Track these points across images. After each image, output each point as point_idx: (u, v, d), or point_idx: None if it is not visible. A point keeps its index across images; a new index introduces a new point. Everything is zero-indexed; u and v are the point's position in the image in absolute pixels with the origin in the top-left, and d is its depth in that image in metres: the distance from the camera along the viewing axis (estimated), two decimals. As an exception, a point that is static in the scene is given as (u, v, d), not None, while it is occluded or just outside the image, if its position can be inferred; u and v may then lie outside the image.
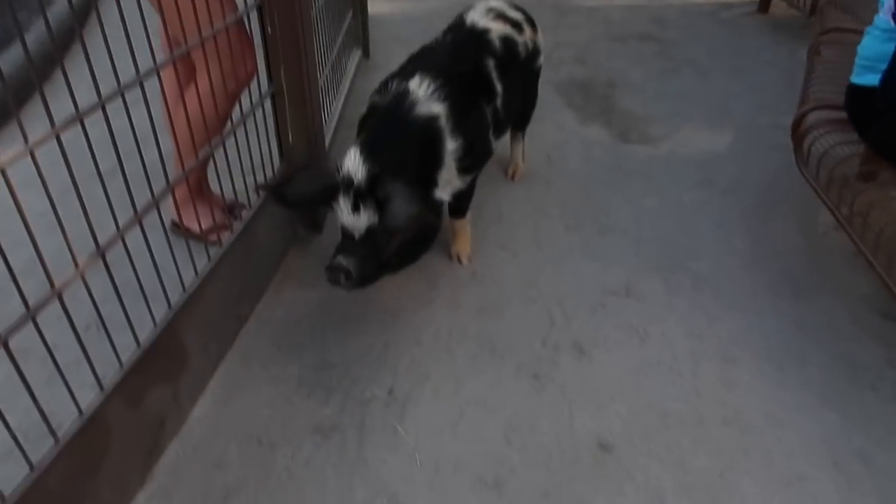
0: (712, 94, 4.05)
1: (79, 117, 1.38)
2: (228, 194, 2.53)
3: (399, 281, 2.53)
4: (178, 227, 2.57)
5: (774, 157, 3.33)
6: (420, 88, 2.19)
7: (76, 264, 1.43)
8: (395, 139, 2.09)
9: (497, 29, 2.59)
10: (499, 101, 2.48)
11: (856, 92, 2.37)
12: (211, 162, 2.49)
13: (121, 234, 1.61)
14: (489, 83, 2.44)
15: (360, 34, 4.26)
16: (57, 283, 1.37)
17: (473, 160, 2.32)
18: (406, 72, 2.29)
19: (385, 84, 2.29)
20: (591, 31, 5.00)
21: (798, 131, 2.58)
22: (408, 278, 2.57)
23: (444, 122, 2.18)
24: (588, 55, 4.56)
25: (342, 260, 2.01)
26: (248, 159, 2.27)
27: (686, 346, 2.30)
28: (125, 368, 1.64)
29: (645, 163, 3.36)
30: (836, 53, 3.07)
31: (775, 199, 3.05)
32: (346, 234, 2.07)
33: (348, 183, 1.98)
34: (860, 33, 2.48)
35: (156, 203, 1.75)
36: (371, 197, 1.97)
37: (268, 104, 2.39)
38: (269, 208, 2.42)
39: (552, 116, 3.76)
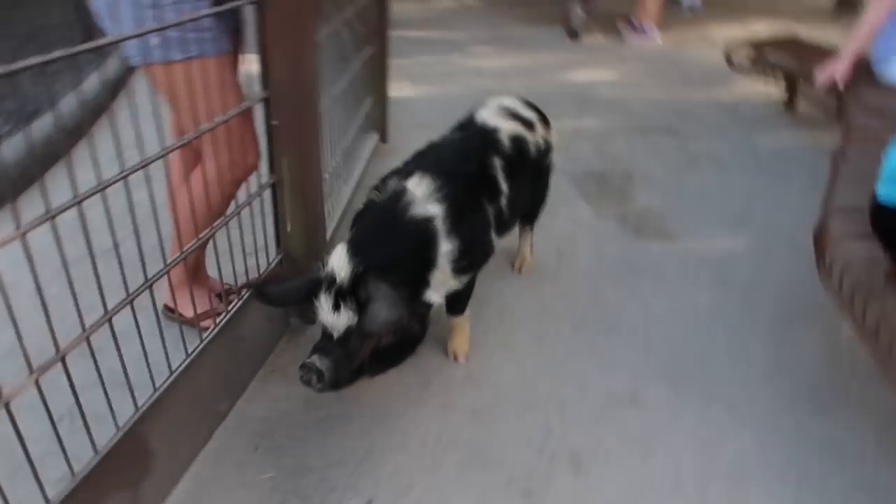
0: (732, 191, 3.95)
1: (77, 202, 1.40)
2: (226, 278, 2.49)
3: (390, 378, 2.40)
4: (172, 312, 2.52)
5: (796, 260, 3.17)
6: (418, 188, 2.13)
7: (57, 349, 1.39)
8: (386, 238, 2.02)
9: (507, 128, 2.55)
10: (503, 201, 2.41)
11: (882, 210, 2.25)
12: (209, 246, 2.46)
13: (109, 317, 1.56)
14: (494, 183, 2.38)
15: (379, 119, 4.30)
16: (35, 367, 1.34)
17: (470, 261, 2.24)
18: (406, 170, 2.24)
19: (384, 181, 2.24)
20: (611, 122, 5.00)
21: (820, 240, 2.45)
22: (400, 375, 2.44)
23: (439, 224, 2.09)
24: (607, 147, 4.53)
25: (316, 360, 1.87)
26: (249, 244, 2.23)
27: (693, 465, 2.11)
28: (78, 477, 1.54)
29: (658, 261, 3.24)
30: (861, 157, 2.96)
31: (796, 305, 2.89)
32: (325, 332, 1.98)
33: (331, 280, 1.91)
34: (887, 139, 2.37)
35: (149, 285, 1.71)
36: (352, 297, 1.89)
37: (267, 193, 2.37)
38: (255, 303, 2.35)
39: (565, 208, 3.69)
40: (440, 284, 2.16)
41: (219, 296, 2.62)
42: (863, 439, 2.21)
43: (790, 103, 5.21)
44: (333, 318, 1.92)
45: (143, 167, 1.58)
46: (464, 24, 7.82)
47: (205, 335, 2.03)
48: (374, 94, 4.19)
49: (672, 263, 3.21)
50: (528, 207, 2.82)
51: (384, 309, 1.85)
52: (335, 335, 1.94)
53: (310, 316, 2.61)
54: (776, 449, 2.17)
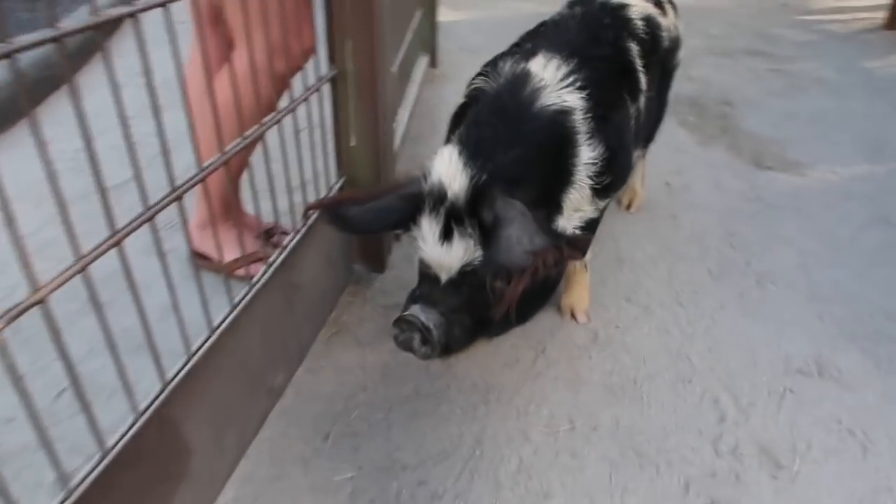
0: (854, 115, 3.31)
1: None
2: (267, 216, 1.88)
3: (492, 343, 1.81)
4: (202, 259, 1.92)
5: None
6: (547, 71, 1.51)
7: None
8: (511, 139, 1.39)
9: (638, 6, 1.91)
10: (642, 100, 1.79)
11: None
12: (246, 172, 1.84)
13: (119, 239, 0.96)
14: (633, 73, 1.75)
15: (429, 38, 3.63)
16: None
17: (614, 178, 1.61)
18: (524, 50, 1.61)
19: (493, 64, 1.61)
20: (689, 44, 4.29)
21: None
22: (504, 340, 1.85)
23: (579, 121, 1.48)
24: (693, 71, 3.86)
25: (420, 314, 1.33)
26: (295, 170, 1.60)
27: (932, 462, 1.53)
28: (74, 491, 0.95)
29: (792, 194, 2.61)
30: None
31: None
32: (428, 275, 1.39)
33: (439, 197, 1.31)
34: None
35: (178, 196, 1.10)
36: (473, 219, 1.29)
37: (326, 95, 1.73)
38: (316, 237, 1.74)
39: (664, 136, 3.04)
40: (573, 210, 1.54)
41: (265, 235, 2.02)
42: None
43: (892, 20, 4.51)
44: (443, 251, 1.32)
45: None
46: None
47: (250, 283, 1.43)
48: (424, 6, 3.50)
49: (812, 197, 2.59)
50: (652, 119, 2.18)
51: (525, 235, 1.24)
52: (443, 277, 1.35)
53: (380, 261, 2.01)
54: None
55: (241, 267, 1.60)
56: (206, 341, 1.27)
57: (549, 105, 1.45)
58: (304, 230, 1.65)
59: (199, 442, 1.29)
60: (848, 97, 3.53)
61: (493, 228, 1.28)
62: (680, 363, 1.79)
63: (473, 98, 1.56)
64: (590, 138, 1.49)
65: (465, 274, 1.33)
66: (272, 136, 1.46)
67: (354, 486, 1.45)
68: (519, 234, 1.25)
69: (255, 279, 1.45)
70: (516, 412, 1.65)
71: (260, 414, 1.55)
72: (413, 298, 1.41)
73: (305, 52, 1.68)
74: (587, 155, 1.49)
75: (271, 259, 1.52)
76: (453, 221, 1.30)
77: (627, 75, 1.73)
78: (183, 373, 1.19)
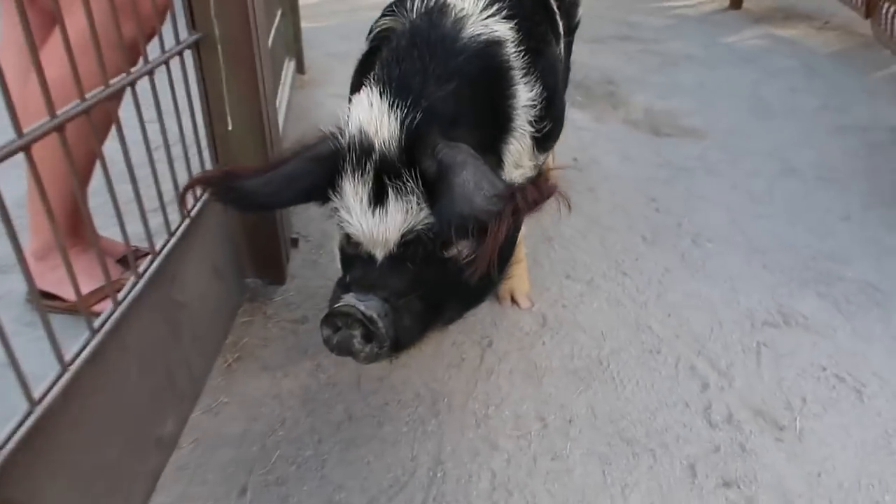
0: (731, 83, 3.35)
1: None
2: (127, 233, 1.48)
3: (429, 343, 1.52)
4: (49, 299, 1.51)
5: (848, 140, 2.60)
6: (466, 2, 1.26)
7: None
8: (441, 73, 1.12)
9: None
10: (562, 45, 1.60)
11: None
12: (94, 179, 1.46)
13: None
14: (552, 12, 1.56)
15: (293, 42, 3.31)
16: None
17: (553, 126, 1.39)
18: None
19: (398, 4, 1.33)
20: (559, 35, 4.28)
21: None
22: (442, 337, 1.57)
23: (512, 54, 1.24)
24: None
25: (357, 303, 1.01)
26: (160, 170, 1.23)
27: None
28: None
29: (698, 156, 2.54)
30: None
31: (884, 182, 2.28)
32: (358, 255, 1.09)
33: (363, 150, 1.03)
34: None
35: None
36: (412, 171, 1.01)
37: (189, 64, 1.39)
38: (198, 240, 1.38)
39: (557, 117, 2.91)
40: (514, 166, 1.30)
41: (122, 262, 1.62)
42: None
43: (737, 1, 4.74)
44: (374, 220, 1.03)
45: None
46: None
47: (117, 301, 1.05)
48: (284, 7, 3.19)
49: (718, 157, 2.52)
50: (566, 75, 2.00)
51: (484, 180, 0.97)
52: (379, 254, 1.06)
53: (278, 271, 1.67)
54: None
55: (102, 300, 1.21)
56: (53, 385, 0.89)
57: (478, 34, 1.19)
58: (182, 228, 1.29)
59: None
60: (719, 68, 3.59)
61: (440, 178, 1.00)
62: (642, 334, 1.58)
63: (383, 40, 1.27)
64: (525, 75, 1.25)
65: (408, 244, 1.04)
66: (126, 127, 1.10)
67: (291, 548, 1.10)
68: (476, 179, 0.97)
69: (122, 294, 1.07)
70: (475, 419, 1.36)
71: (148, 475, 1.16)
72: (343, 286, 1.10)
73: (159, 9, 1.33)
74: (525, 95, 1.25)
75: (142, 268, 1.15)
76: (386, 178, 1.02)
77: (548, 13, 1.53)
78: (20, 434, 0.81)
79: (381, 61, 1.15)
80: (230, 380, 1.42)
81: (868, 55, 3.68)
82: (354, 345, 1.02)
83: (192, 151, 1.37)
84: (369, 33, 1.42)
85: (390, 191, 1.01)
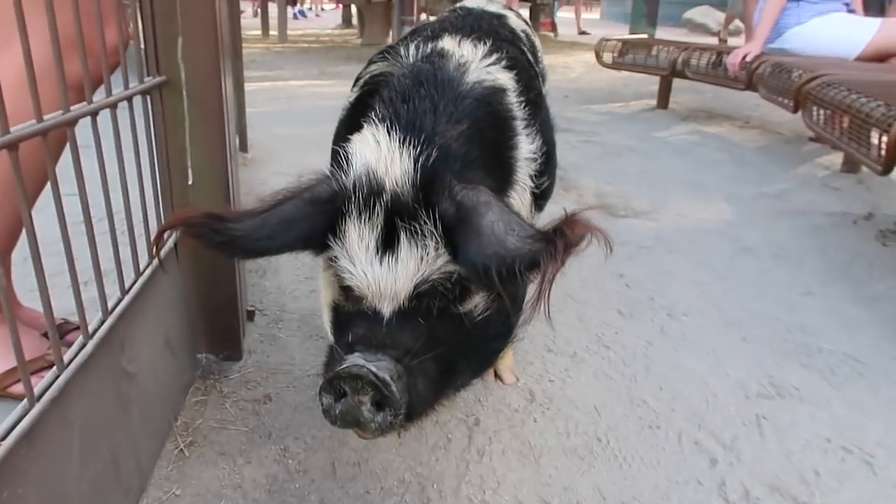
0: (671, 172, 3.46)
1: None
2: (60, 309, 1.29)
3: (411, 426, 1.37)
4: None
5: (791, 223, 2.69)
6: (463, 48, 1.20)
7: None
8: (451, 114, 1.03)
9: (514, 19, 1.74)
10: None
11: None
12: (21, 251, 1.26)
13: None
14: (535, 69, 1.54)
15: (237, 118, 3.21)
16: None
17: (549, 184, 1.34)
18: (423, 36, 1.29)
19: (391, 51, 1.25)
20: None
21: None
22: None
23: (514, 103, 1.18)
24: (513, 144, 3.86)
25: (366, 363, 0.86)
26: (103, 229, 1.08)
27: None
28: None
29: (656, 236, 2.55)
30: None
31: (835, 260, 2.34)
32: (359, 312, 0.95)
33: (371, 191, 0.91)
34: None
35: None
36: (427, 213, 0.90)
37: (145, 113, 1.26)
38: (149, 304, 1.21)
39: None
40: None
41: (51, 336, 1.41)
42: None
43: (663, 101, 5.03)
44: (383, 269, 0.91)
45: None
46: (287, 64, 6.97)
47: (41, 383, 0.86)
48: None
49: (674, 236, 2.54)
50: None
51: (513, 221, 0.87)
52: (387, 309, 0.92)
53: (234, 345, 1.49)
54: None
55: (17, 382, 1.01)
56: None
57: (482, 80, 1.12)
58: (137, 286, 1.12)
59: None
60: (657, 159, 3.73)
61: (462, 221, 0.89)
62: (637, 408, 1.48)
63: (378, 84, 1.17)
64: (527, 126, 1.19)
65: (422, 296, 0.92)
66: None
67: None
68: (505, 220, 0.87)
69: (69, 353, 0.89)
70: (470, 507, 1.19)
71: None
72: (345, 346, 0.94)
73: (113, 45, 1.19)
74: (527, 147, 1.18)
75: (93, 327, 0.97)
76: (399, 221, 0.90)
77: (533, 69, 1.50)
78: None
79: (384, 100, 1.06)
80: (183, 468, 1.20)
81: (790, 149, 3.92)
82: (363, 413, 0.87)
83: (136, 212, 1.22)
84: (356, 81, 1.33)
85: (402, 235, 0.90)
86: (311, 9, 14.81)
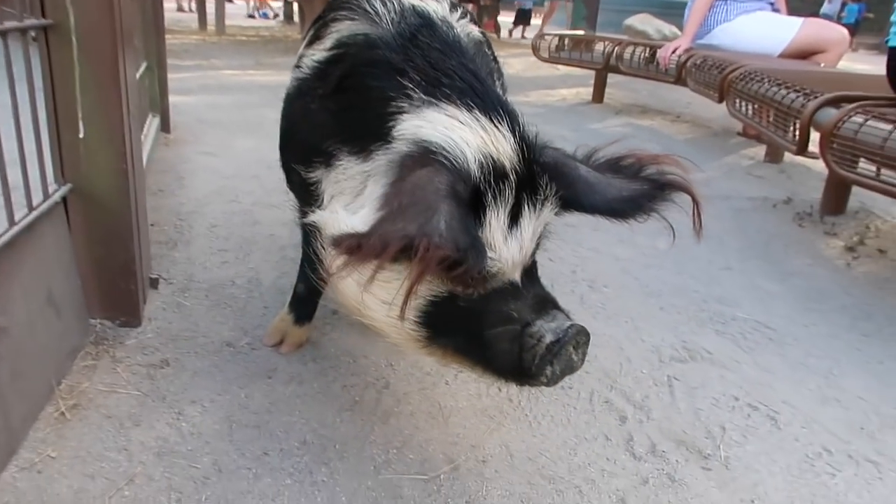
0: (603, 159, 3.49)
1: None
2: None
3: (319, 386, 1.32)
4: None
5: (714, 207, 2.74)
6: (432, 5, 1.14)
7: None
8: (485, 77, 1.04)
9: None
10: None
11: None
12: None
13: None
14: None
15: (158, 99, 3.09)
16: None
17: None
18: None
19: (354, 8, 1.14)
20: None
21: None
22: (335, 379, 1.36)
23: (491, 57, 1.28)
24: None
25: (567, 321, 0.96)
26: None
27: (839, 419, 1.38)
28: None
29: (581, 221, 2.55)
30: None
31: (755, 239, 2.39)
32: (493, 291, 0.95)
33: (498, 174, 0.91)
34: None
35: None
36: (542, 182, 0.95)
37: (26, 57, 1.18)
38: (30, 260, 1.13)
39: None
40: None
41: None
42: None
43: (598, 95, 5.11)
44: (514, 244, 0.93)
45: None
46: (223, 54, 6.79)
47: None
48: (149, 59, 3.00)
49: (600, 222, 2.54)
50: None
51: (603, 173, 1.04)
52: (517, 276, 0.96)
53: (132, 312, 1.42)
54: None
55: None
56: None
57: (469, 33, 1.17)
58: (9, 236, 1.03)
59: None
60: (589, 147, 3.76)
61: (557, 176, 0.97)
62: (551, 372, 1.46)
63: (359, 45, 1.08)
64: (499, 77, 1.27)
65: (534, 252, 1.01)
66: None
67: None
68: (588, 167, 1.05)
69: None
70: (373, 465, 1.15)
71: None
72: (516, 322, 0.94)
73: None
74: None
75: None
76: (525, 196, 0.93)
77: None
78: None
79: (421, 73, 0.99)
80: (61, 431, 1.12)
81: (717, 142, 4.02)
82: (574, 360, 0.95)
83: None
84: (314, 39, 1.20)
85: (526, 207, 0.93)
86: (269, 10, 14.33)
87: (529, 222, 0.94)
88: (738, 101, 2.96)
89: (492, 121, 0.93)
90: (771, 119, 2.52)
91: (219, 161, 2.80)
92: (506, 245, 0.92)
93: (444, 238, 0.79)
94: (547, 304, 0.97)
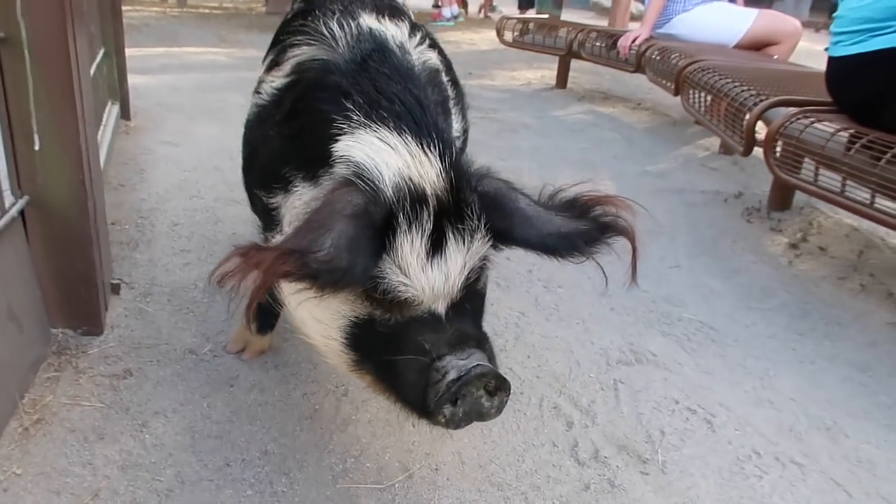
0: (563, 150, 3.56)
1: None
2: None
3: (280, 395, 1.37)
4: None
5: (668, 200, 2.84)
6: (391, 29, 1.17)
7: None
8: (429, 104, 1.03)
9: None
10: None
11: (848, 63, 1.91)
12: None
13: None
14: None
15: (117, 85, 3.04)
16: None
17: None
18: (338, 10, 1.19)
19: (310, 32, 1.15)
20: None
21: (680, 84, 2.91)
22: (294, 388, 1.41)
23: (446, 83, 1.26)
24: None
25: (475, 361, 0.91)
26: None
27: (770, 421, 1.48)
28: None
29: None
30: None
31: (704, 235, 2.49)
32: (411, 320, 0.94)
33: (415, 198, 0.91)
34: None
35: None
36: (469, 209, 0.94)
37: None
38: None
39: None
40: None
41: None
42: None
43: (562, 81, 5.15)
44: (436, 272, 0.92)
45: None
46: (184, 29, 6.63)
47: None
48: (106, 46, 2.94)
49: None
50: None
51: (546, 207, 1.00)
52: (442, 307, 0.94)
53: (94, 320, 1.44)
54: (824, 381, 1.63)
55: None
56: None
57: (424, 62, 1.15)
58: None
59: None
60: (552, 137, 3.82)
61: (493, 207, 0.96)
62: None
63: (315, 71, 1.10)
64: (455, 104, 1.27)
65: (467, 285, 0.95)
66: None
67: None
68: (531, 200, 1.00)
69: None
70: (331, 475, 1.21)
71: None
72: (421, 353, 0.92)
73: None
74: (457, 126, 1.24)
75: None
76: (446, 223, 0.91)
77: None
78: None
79: (356, 96, 1.01)
80: (26, 447, 1.16)
81: (676, 131, 4.11)
82: (484, 406, 0.92)
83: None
84: (272, 65, 1.22)
85: (450, 235, 0.91)
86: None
87: (456, 252, 0.92)
88: (691, 94, 3.04)
89: (421, 146, 0.93)
90: (721, 117, 2.60)
91: (180, 151, 2.78)
92: (423, 273, 0.90)
93: (324, 255, 0.81)
94: (467, 340, 0.94)
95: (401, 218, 0.89)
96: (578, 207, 0.99)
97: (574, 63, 5.14)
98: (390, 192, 0.90)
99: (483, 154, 3.26)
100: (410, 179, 0.91)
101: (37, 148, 1.29)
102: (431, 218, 0.90)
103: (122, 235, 1.94)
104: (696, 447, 1.37)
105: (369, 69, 1.05)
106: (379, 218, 0.89)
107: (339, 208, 0.87)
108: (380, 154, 0.93)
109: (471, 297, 0.98)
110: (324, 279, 0.83)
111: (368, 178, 0.91)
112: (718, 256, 2.32)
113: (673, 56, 3.37)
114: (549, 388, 1.51)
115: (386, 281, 0.90)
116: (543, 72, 5.72)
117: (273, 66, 1.22)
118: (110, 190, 2.28)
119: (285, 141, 1.11)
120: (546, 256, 0.98)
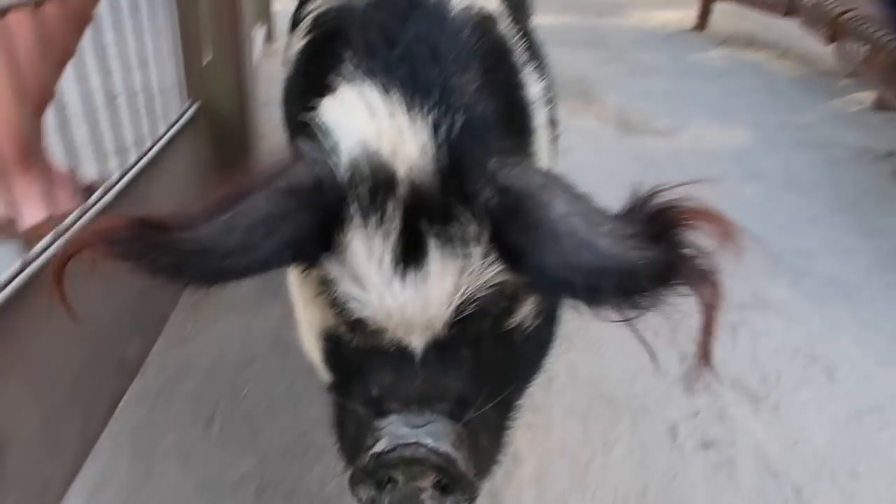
0: (698, 96, 3.43)
1: None
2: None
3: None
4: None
5: (809, 154, 2.69)
6: None
7: None
8: (455, 56, 0.74)
9: None
10: None
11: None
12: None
13: None
14: None
15: (264, 7, 3.22)
16: None
17: (557, 132, 1.12)
18: None
19: None
20: (532, 37, 4.31)
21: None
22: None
23: (508, 33, 0.93)
24: (542, 56, 3.83)
25: (421, 435, 0.64)
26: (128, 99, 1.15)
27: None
28: None
29: (669, 155, 2.58)
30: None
31: (847, 192, 2.36)
32: (376, 351, 0.69)
33: (378, 182, 0.66)
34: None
35: None
36: (465, 208, 0.65)
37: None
38: (164, 167, 1.30)
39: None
40: None
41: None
42: None
43: (701, 23, 4.89)
44: (408, 291, 0.65)
45: None
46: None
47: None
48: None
49: (688, 158, 2.57)
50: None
51: (596, 216, 0.67)
52: (418, 343, 0.68)
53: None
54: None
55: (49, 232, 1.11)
56: (14, 276, 0.80)
57: (469, 7, 0.83)
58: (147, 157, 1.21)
59: (17, 432, 0.81)
60: (685, 81, 3.68)
61: (512, 214, 0.65)
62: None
63: (333, 22, 0.89)
64: (528, 62, 0.94)
65: (466, 321, 0.67)
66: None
67: (260, 480, 1.02)
68: (582, 211, 0.67)
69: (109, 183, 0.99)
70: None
71: (109, 395, 1.07)
72: (369, 402, 0.69)
73: None
74: (535, 88, 0.91)
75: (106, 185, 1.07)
76: (423, 223, 0.65)
77: None
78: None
79: (358, 43, 0.77)
80: (199, 312, 1.33)
81: (826, 83, 3.83)
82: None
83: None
84: (293, 24, 1.11)
85: (432, 242, 0.65)
86: None
87: (443, 269, 0.65)
88: (847, 45, 2.83)
89: (409, 109, 0.67)
90: (879, 70, 2.42)
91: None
92: (388, 289, 0.65)
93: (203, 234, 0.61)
94: (435, 400, 0.66)
95: (354, 206, 0.65)
96: (646, 223, 0.65)
97: (717, 6, 4.86)
98: (342, 167, 0.66)
99: (613, 94, 3.21)
100: (377, 154, 0.66)
101: (210, 59, 1.43)
102: (399, 213, 0.65)
103: (267, 145, 2.11)
104: (812, 393, 1.36)
105: (397, 15, 0.78)
106: (328, 201, 0.65)
107: (270, 177, 0.66)
108: (351, 117, 0.69)
109: (476, 342, 0.70)
110: (155, 263, 0.59)
111: (326, 147, 0.68)
112: (860, 214, 2.20)
113: (828, 2, 3.13)
114: (664, 322, 1.53)
115: (336, 290, 0.68)
116: (683, 12, 5.43)
117: (293, 25, 1.13)
118: (261, 105, 2.46)
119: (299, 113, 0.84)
120: (556, 295, 0.71)
